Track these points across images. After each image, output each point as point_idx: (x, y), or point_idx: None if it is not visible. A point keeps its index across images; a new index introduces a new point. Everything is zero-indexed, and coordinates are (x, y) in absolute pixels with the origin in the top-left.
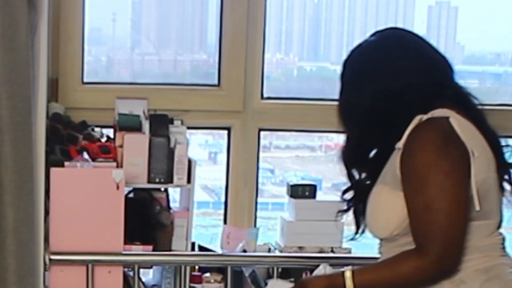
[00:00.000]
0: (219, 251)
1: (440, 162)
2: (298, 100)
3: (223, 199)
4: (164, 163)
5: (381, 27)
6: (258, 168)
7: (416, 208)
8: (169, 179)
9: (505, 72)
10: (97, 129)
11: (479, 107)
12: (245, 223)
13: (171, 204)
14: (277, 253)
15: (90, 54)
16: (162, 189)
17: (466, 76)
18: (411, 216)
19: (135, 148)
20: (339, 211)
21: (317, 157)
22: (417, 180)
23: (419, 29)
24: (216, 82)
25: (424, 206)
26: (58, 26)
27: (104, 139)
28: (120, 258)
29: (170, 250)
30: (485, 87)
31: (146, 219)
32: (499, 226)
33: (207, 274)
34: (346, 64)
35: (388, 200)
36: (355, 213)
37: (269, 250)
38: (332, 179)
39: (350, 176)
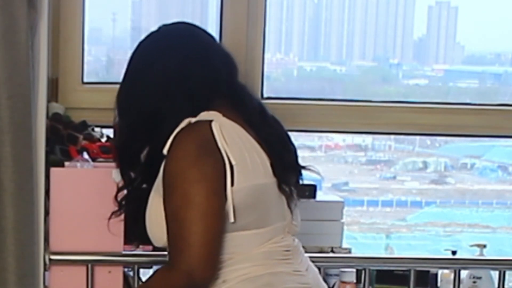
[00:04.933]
0: None
1: (188, 172)
2: (298, 100)
3: None
4: None
5: (381, 27)
6: None
7: (166, 218)
8: None
9: (505, 72)
10: (97, 129)
11: (258, 106)
12: None
13: None
14: None
15: (90, 54)
16: None
17: (466, 76)
18: (166, 227)
19: None
20: (113, 213)
21: (317, 157)
22: (167, 189)
23: (419, 29)
24: None
25: (171, 216)
26: (58, 26)
27: (104, 139)
28: (120, 258)
29: None
30: (485, 87)
31: None
32: (283, 231)
33: None
34: (130, 59)
35: (158, 209)
36: (129, 218)
37: None
38: (332, 179)
39: (124, 174)
